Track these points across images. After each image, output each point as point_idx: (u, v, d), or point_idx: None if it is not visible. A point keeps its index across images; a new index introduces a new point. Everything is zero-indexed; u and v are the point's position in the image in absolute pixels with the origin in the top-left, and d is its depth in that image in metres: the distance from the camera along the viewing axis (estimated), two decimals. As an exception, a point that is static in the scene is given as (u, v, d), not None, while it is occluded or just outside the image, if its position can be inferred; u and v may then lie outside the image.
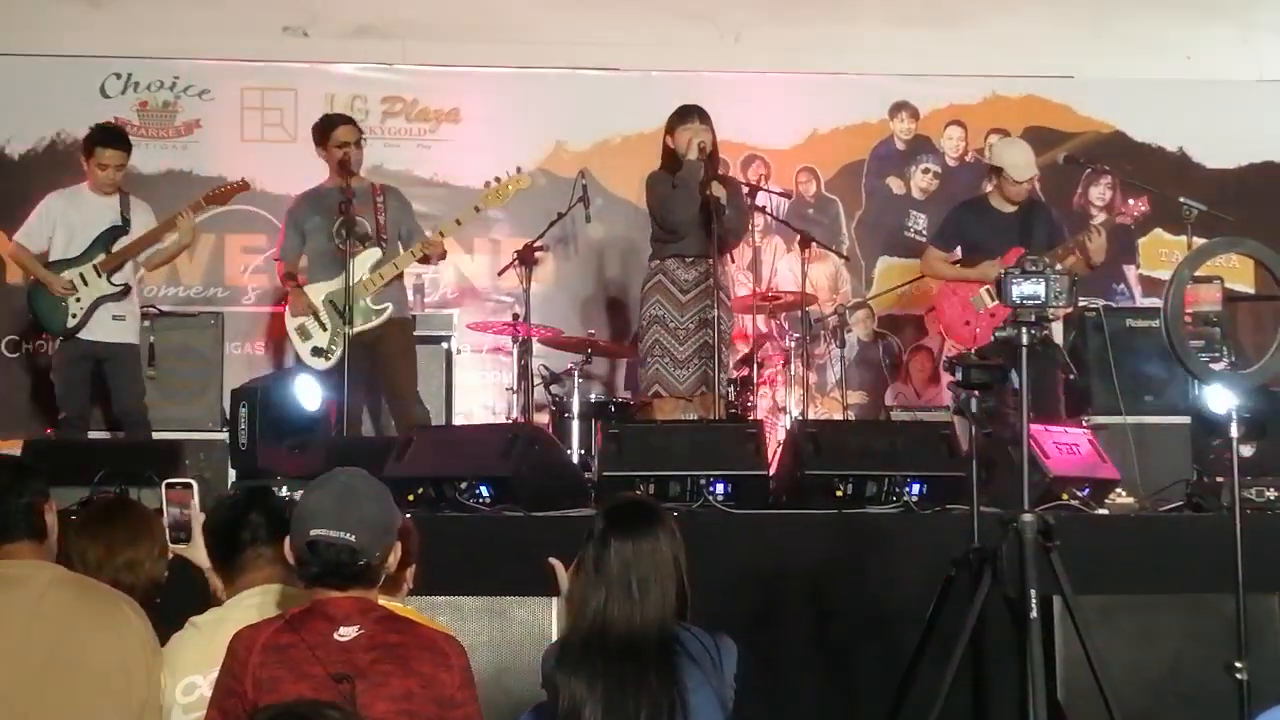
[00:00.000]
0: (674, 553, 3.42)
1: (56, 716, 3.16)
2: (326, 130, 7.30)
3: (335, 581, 3.09)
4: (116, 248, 7.22)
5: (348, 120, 7.47)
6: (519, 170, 7.27)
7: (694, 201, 6.82)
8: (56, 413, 7.29)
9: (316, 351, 7.08)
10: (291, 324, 7.18)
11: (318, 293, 7.14)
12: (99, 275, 7.18)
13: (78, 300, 7.14)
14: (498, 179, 7.19)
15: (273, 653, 3.00)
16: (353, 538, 3.07)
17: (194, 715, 3.23)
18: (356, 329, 6.93)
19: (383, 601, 3.23)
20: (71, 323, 7.14)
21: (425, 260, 7.31)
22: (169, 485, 3.78)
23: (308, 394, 6.76)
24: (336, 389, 6.86)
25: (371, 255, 7.10)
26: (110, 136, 7.36)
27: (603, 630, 3.34)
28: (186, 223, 7.26)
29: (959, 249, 7.39)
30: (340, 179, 7.14)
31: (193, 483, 3.79)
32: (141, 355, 7.45)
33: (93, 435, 7.37)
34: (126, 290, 7.25)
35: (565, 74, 9.26)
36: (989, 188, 7.42)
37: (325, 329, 7.08)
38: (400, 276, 7.27)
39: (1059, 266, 4.26)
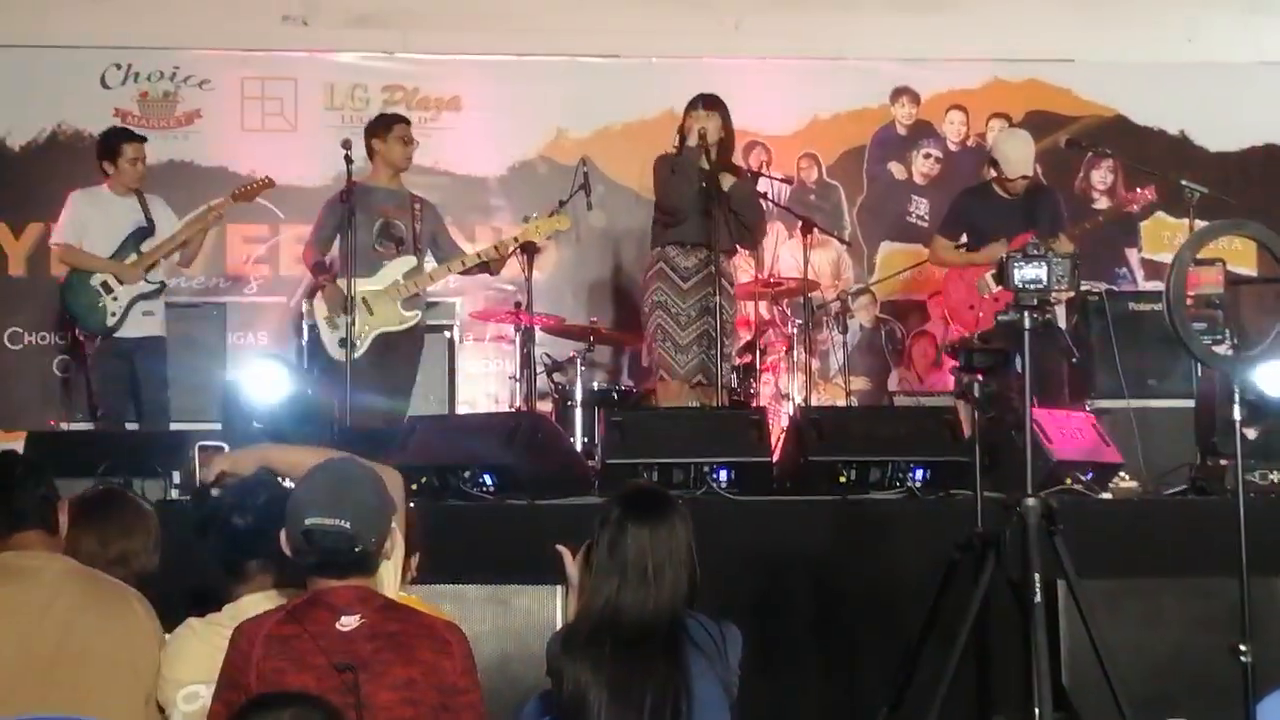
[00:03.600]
0: (688, 539, 3.41)
1: (63, 708, 3.15)
2: (386, 128, 7.34)
3: (334, 570, 3.07)
4: (146, 248, 7.30)
5: (407, 120, 7.53)
6: (560, 207, 7.41)
7: (691, 187, 6.83)
8: (94, 406, 7.37)
9: (343, 343, 7.07)
10: (320, 312, 7.17)
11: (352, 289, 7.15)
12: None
13: (115, 299, 7.21)
14: (535, 216, 7.38)
15: (276, 644, 2.99)
16: (348, 524, 3.04)
17: None
18: (385, 329, 7.08)
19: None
20: (111, 321, 7.22)
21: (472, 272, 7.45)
22: (201, 448, 3.79)
23: (268, 384, 6.72)
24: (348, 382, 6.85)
25: (407, 262, 7.19)
26: (128, 132, 7.57)
27: (614, 617, 3.32)
28: (215, 217, 7.46)
29: (965, 235, 7.38)
30: (388, 180, 7.30)
31: (224, 445, 3.79)
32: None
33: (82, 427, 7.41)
34: (162, 288, 7.36)
35: (566, 61, 9.24)
36: (991, 174, 7.41)
37: (354, 324, 7.06)
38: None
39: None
